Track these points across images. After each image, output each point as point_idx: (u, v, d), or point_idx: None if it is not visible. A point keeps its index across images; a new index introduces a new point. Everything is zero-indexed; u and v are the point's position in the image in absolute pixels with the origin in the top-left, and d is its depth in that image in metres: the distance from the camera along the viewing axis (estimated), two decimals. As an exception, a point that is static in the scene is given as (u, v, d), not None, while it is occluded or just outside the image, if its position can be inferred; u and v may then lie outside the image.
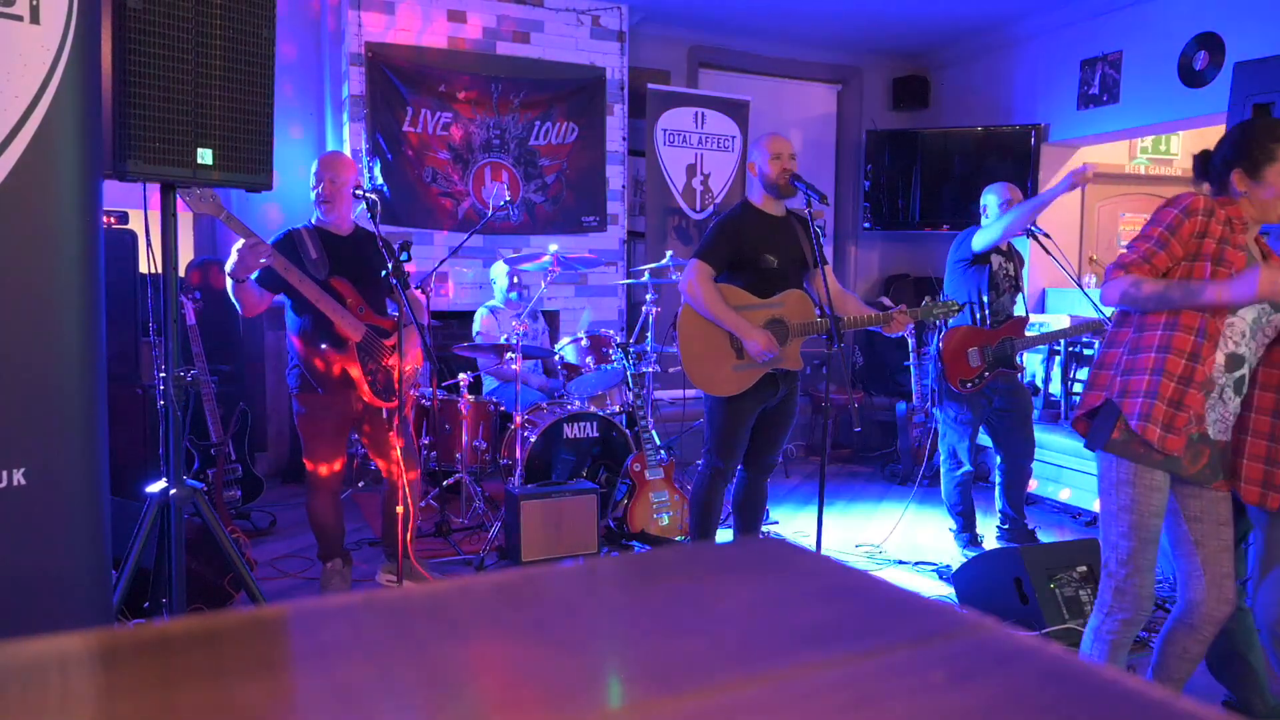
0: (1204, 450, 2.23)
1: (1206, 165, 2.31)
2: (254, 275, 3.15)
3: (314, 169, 3.40)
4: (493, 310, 5.03)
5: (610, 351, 4.71)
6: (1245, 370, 2.23)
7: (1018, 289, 4.04)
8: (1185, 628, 2.31)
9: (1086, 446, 2.33)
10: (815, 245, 3.29)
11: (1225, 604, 2.28)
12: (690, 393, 5.26)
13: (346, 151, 5.33)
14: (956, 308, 3.40)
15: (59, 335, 2.01)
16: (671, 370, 4.43)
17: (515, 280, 5.01)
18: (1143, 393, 2.17)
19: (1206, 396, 2.20)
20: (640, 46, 6.45)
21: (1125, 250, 2.25)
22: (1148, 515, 2.21)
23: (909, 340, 5.20)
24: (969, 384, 3.98)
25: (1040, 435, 4.22)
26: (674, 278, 4.75)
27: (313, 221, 3.43)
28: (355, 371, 3.31)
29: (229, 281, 3.13)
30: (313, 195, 3.40)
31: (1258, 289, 2.00)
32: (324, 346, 3.30)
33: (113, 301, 2.82)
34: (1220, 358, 2.19)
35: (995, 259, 3.98)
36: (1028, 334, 4.01)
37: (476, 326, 5.01)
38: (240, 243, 2.99)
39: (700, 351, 3.31)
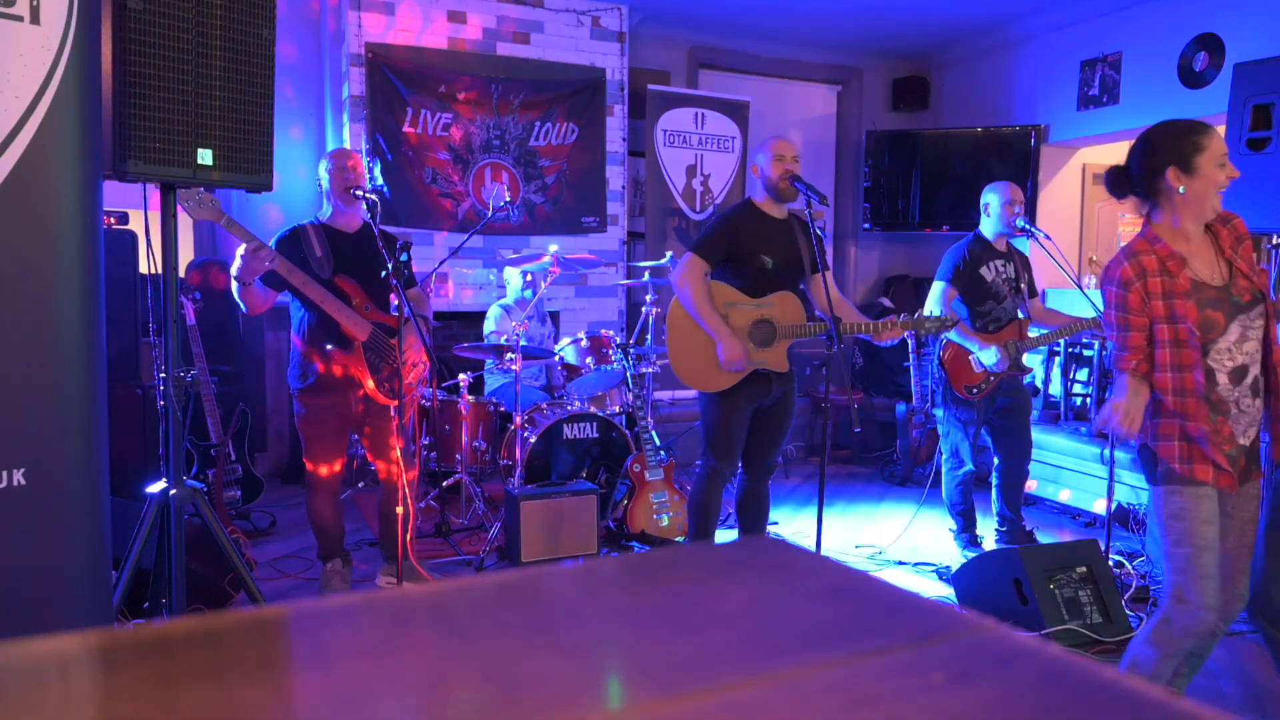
0: (1239, 457, 2.25)
1: (1126, 179, 2.33)
2: (258, 277, 3.14)
3: (331, 162, 3.38)
4: (506, 309, 5.03)
5: (610, 352, 4.71)
6: (1253, 373, 2.24)
7: (1019, 292, 4.03)
8: None
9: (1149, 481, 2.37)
10: (816, 250, 3.29)
11: (1239, 599, 2.31)
12: (690, 393, 5.26)
13: (346, 152, 5.33)
14: (951, 322, 3.39)
15: (59, 335, 2.01)
16: (662, 363, 4.43)
17: (529, 279, 5.02)
18: (1176, 437, 2.23)
19: (1227, 418, 2.22)
20: (640, 47, 6.45)
21: (1112, 347, 2.30)
22: (1200, 521, 2.21)
23: (909, 341, 5.20)
24: (975, 389, 3.97)
25: (1040, 436, 4.22)
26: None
27: (319, 218, 3.43)
28: (361, 371, 3.31)
29: (234, 284, 3.13)
30: (325, 186, 3.38)
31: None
32: (329, 347, 3.30)
33: (113, 301, 2.82)
34: (1223, 379, 2.21)
35: (992, 267, 3.97)
36: (1030, 334, 4.00)
37: (489, 326, 5.02)
38: (243, 247, 2.98)
39: (687, 347, 3.31)
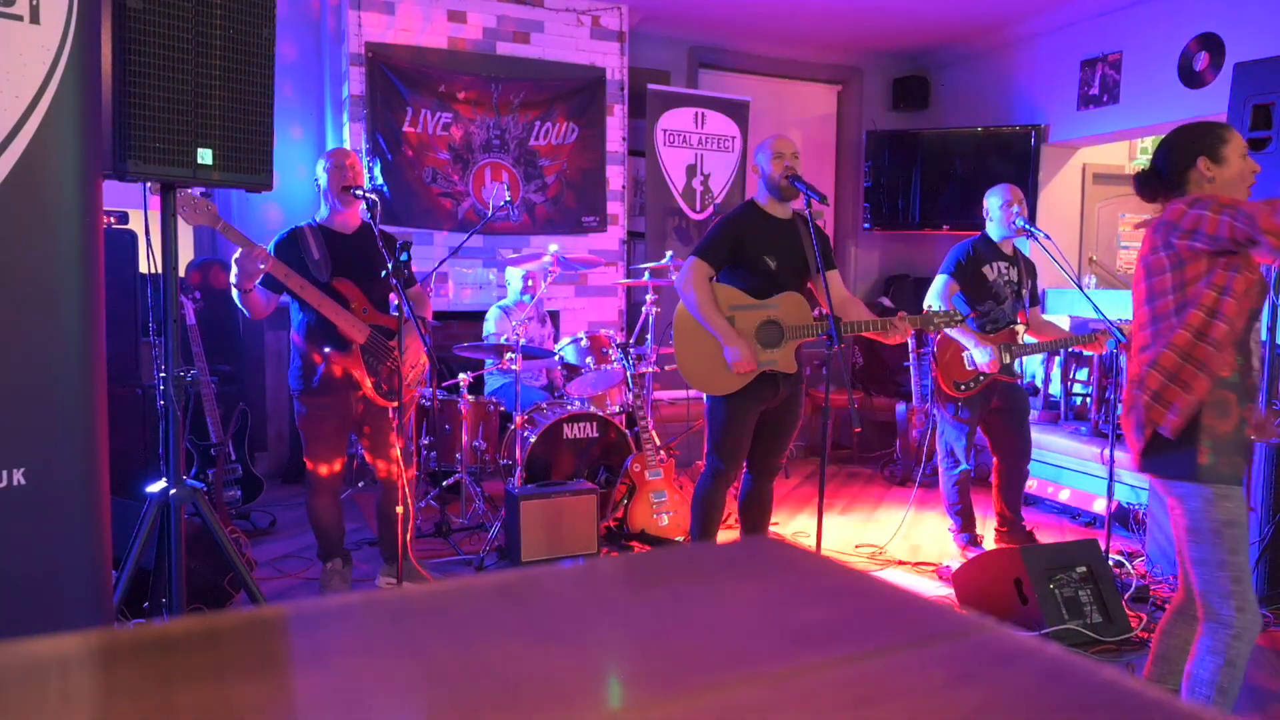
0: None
1: (1156, 179, 2.33)
2: (258, 282, 3.13)
3: (328, 162, 3.38)
4: (505, 310, 5.04)
5: (610, 351, 4.71)
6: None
7: (1019, 297, 4.03)
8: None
9: (1160, 474, 2.26)
10: (823, 249, 3.28)
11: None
12: (690, 393, 5.26)
13: (346, 151, 5.33)
14: (959, 318, 3.39)
15: (59, 335, 2.01)
16: (668, 368, 4.43)
17: (529, 283, 5.02)
18: (1215, 418, 2.18)
19: (1254, 404, 2.24)
20: (640, 47, 6.45)
21: (1211, 226, 2.11)
22: (1243, 526, 2.20)
23: (909, 340, 5.20)
24: (963, 386, 3.98)
25: (1040, 435, 4.22)
26: (673, 277, 4.75)
27: (317, 220, 3.42)
28: (359, 373, 3.31)
29: (234, 291, 3.12)
30: (323, 185, 3.38)
31: None
32: (327, 349, 3.30)
33: (113, 301, 2.81)
34: (1256, 363, 2.24)
35: (995, 267, 3.97)
36: (1025, 341, 4.00)
37: (489, 328, 5.01)
38: (239, 253, 2.98)
39: (694, 350, 3.31)
